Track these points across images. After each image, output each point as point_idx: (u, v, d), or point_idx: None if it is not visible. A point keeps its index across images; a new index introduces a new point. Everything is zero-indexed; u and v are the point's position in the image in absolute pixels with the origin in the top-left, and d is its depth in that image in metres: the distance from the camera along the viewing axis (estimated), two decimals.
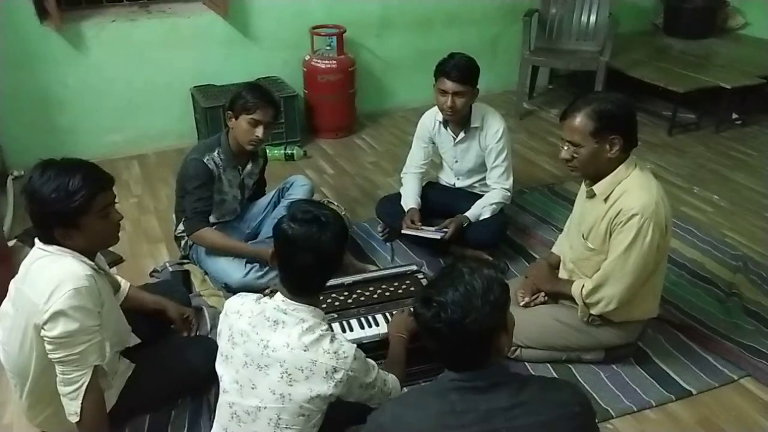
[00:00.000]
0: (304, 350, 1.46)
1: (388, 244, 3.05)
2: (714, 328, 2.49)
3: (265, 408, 1.48)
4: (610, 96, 2.05)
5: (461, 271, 1.28)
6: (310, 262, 1.49)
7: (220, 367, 1.58)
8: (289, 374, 1.46)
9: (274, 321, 1.49)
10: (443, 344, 1.28)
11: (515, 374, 1.35)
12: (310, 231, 1.47)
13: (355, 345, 1.55)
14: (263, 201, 2.93)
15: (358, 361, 1.52)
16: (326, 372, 1.47)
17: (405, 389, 1.82)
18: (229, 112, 2.55)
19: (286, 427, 1.49)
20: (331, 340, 1.50)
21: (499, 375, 1.29)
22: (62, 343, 1.60)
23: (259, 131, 2.53)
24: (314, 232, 1.48)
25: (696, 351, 2.38)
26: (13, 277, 1.78)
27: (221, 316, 1.60)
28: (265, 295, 1.61)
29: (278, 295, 1.53)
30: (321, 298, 2.22)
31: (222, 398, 1.58)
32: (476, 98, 2.78)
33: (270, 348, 1.48)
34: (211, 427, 1.69)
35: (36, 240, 1.72)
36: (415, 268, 2.45)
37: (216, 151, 2.60)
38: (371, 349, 1.95)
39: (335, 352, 1.48)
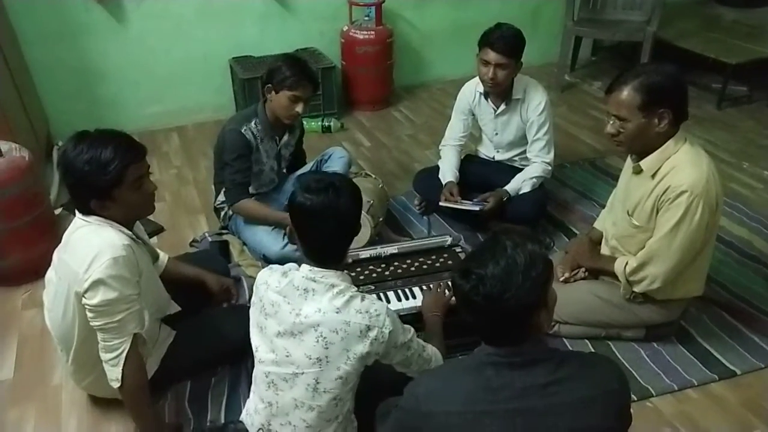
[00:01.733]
0: (337, 312, 1.47)
1: (425, 217, 3.03)
2: (761, 308, 2.42)
3: (303, 374, 1.50)
4: (660, 68, 1.96)
5: (504, 244, 1.24)
6: (333, 229, 1.50)
7: (254, 338, 1.60)
8: (324, 338, 1.47)
9: (304, 289, 1.50)
10: (480, 318, 1.26)
11: (553, 350, 1.33)
12: (328, 198, 1.48)
13: (385, 303, 1.56)
14: (302, 173, 2.93)
15: (391, 319, 1.53)
16: (360, 331, 1.48)
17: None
18: (269, 85, 2.53)
19: (324, 392, 1.51)
20: (362, 300, 1.51)
21: (537, 351, 1.27)
22: (102, 311, 1.64)
23: (299, 107, 2.53)
24: (332, 198, 1.48)
25: (742, 331, 2.32)
26: (57, 245, 1.82)
27: (253, 287, 1.62)
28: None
29: (304, 266, 1.54)
30: (359, 269, 2.24)
31: (258, 368, 1.60)
32: (519, 71, 2.71)
33: (302, 315, 1.49)
34: (249, 393, 1.72)
35: (76, 210, 1.76)
36: (453, 241, 2.43)
37: (253, 122, 2.60)
38: (408, 321, 1.91)
39: (367, 311, 1.49)
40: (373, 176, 2.98)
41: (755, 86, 4.30)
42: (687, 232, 1.94)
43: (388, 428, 1.38)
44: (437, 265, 2.30)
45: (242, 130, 2.57)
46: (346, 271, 1.58)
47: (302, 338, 1.50)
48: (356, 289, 1.54)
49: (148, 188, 1.76)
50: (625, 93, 1.92)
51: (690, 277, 2.10)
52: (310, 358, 1.49)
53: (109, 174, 1.62)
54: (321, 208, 1.47)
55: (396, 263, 2.30)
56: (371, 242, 2.59)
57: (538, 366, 1.24)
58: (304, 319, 1.49)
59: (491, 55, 2.60)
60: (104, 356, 1.69)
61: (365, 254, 2.33)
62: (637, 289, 2.09)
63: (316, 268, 1.52)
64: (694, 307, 2.33)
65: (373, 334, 1.49)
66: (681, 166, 1.94)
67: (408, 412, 1.27)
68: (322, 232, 1.50)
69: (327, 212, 1.47)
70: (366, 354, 1.50)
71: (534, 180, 2.78)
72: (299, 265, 1.58)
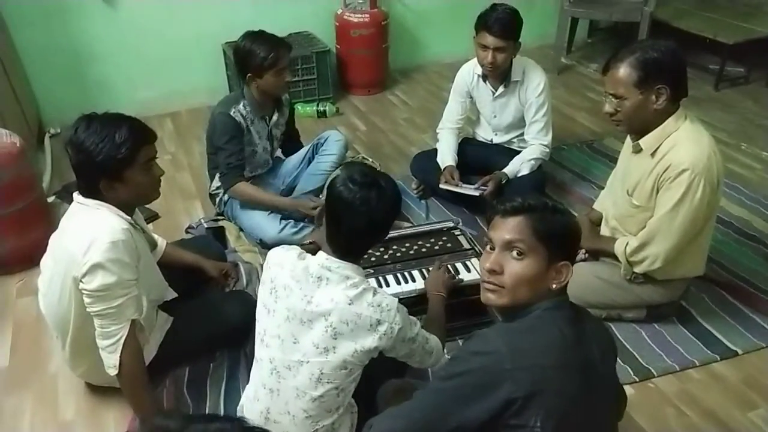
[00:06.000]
0: (349, 304, 1.45)
1: (423, 201, 3.01)
2: (761, 288, 2.42)
3: (308, 362, 1.48)
4: (656, 43, 1.92)
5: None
6: (362, 226, 1.47)
7: (261, 320, 1.56)
8: (334, 328, 1.45)
9: (318, 277, 1.47)
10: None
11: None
12: (369, 195, 1.45)
13: (396, 299, 1.53)
14: (297, 156, 2.90)
15: (401, 314, 1.51)
16: (370, 325, 1.46)
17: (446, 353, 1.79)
18: (249, 74, 2.50)
19: (327, 382, 1.48)
20: (374, 294, 1.49)
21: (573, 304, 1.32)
22: (100, 296, 1.62)
23: (287, 75, 2.53)
24: (372, 196, 1.45)
25: (742, 310, 2.31)
26: (52, 232, 1.79)
27: (264, 266, 1.58)
28: (303, 249, 1.59)
29: (321, 253, 1.51)
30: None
31: (260, 353, 1.57)
32: (518, 51, 2.68)
33: (314, 303, 1.46)
34: (248, 379, 1.70)
35: (75, 194, 1.73)
36: (451, 224, 2.41)
37: (241, 104, 2.57)
38: (408, 304, 1.88)
39: (378, 305, 1.47)
40: (370, 160, 2.95)
41: (752, 66, 4.28)
42: (688, 210, 1.92)
43: (430, 398, 1.24)
44: (436, 248, 2.29)
45: (231, 113, 2.54)
46: (360, 266, 1.55)
47: (311, 326, 1.47)
48: (368, 283, 1.52)
49: (157, 172, 1.76)
50: (622, 70, 1.89)
51: (690, 256, 2.09)
52: (318, 347, 1.46)
53: (122, 153, 1.62)
54: (359, 203, 1.44)
55: (395, 247, 2.28)
56: None
57: (582, 316, 1.29)
58: (315, 308, 1.46)
59: (489, 39, 2.56)
60: (101, 343, 1.67)
61: None
62: (637, 269, 2.08)
63: (333, 258, 1.49)
64: (694, 287, 2.32)
65: (382, 328, 1.46)
66: (681, 144, 1.91)
67: (477, 372, 1.18)
68: (351, 225, 1.47)
69: (363, 208, 1.45)
70: (374, 348, 1.47)
71: (532, 162, 2.76)
72: (300, 247, 1.56)
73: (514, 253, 1.26)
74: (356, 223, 1.46)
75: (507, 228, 1.28)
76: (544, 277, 1.25)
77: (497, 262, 1.29)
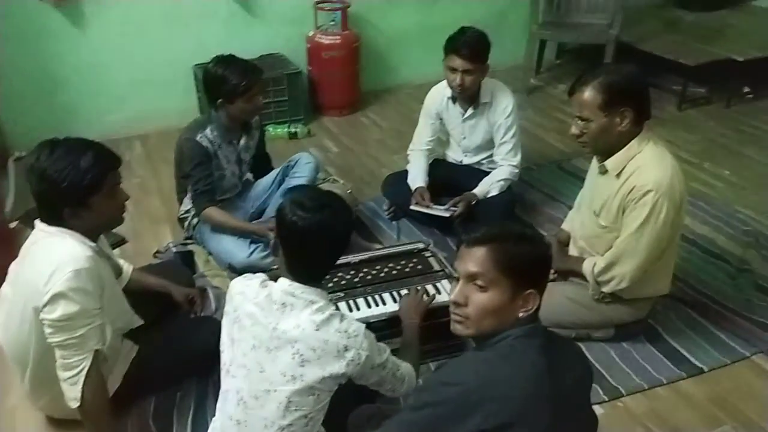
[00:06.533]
0: (316, 329, 1.44)
1: (394, 222, 3.01)
2: (725, 305, 2.46)
3: (275, 391, 1.45)
4: (619, 67, 2.00)
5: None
6: (324, 250, 1.47)
7: (226, 352, 1.54)
8: (301, 355, 1.43)
9: (282, 304, 1.46)
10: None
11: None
12: (323, 219, 1.43)
13: (363, 324, 1.52)
14: (267, 179, 2.89)
15: (368, 340, 1.50)
16: (337, 351, 1.44)
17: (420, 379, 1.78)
18: (219, 99, 2.47)
19: (295, 409, 1.46)
20: (341, 320, 1.48)
21: (545, 330, 1.31)
22: (62, 326, 1.58)
23: (259, 101, 2.53)
24: (327, 218, 1.44)
25: (707, 328, 2.35)
26: (14, 259, 1.75)
27: (227, 297, 1.56)
28: (274, 274, 1.57)
29: (283, 279, 1.49)
30: (328, 277, 2.20)
31: (227, 384, 1.54)
32: (487, 73, 2.72)
33: (280, 330, 1.44)
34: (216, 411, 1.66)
35: (36, 222, 1.69)
36: (422, 246, 2.41)
37: (208, 129, 2.54)
38: (379, 328, 1.91)
39: (345, 331, 1.46)
40: (341, 181, 2.95)
41: (713, 87, 4.40)
42: (653, 230, 1.95)
43: (399, 429, 1.26)
44: (407, 270, 2.28)
45: (197, 138, 2.51)
46: (324, 289, 1.55)
47: (277, 354, 1.45)
48: (334, 307, 1.51)
49: (122, 197, 1.74)
50: (587, 93, 1.93)
51: (656, 275, 2.12)
52: (285, 375, 1.44)
53: (87, 180, 1.59)
54: (316, 229, 1.43)
55: (365, 269, 2.27)
56: None
57: (555, 343, 1.28)
58: (281, 334, 1.44)
59: (457, 62, 2.60)
60: (62, 374, 1.62)
61: None
62: (605, 289, 2.10)
63: (296, 283, 1.47)
64: (661, 306, 2.36)
65: (350, 355, 1.45)
66: (645, 166, 1.95)
67: (446, 403, 1.18)
68: (312, 251, 1.46)
69: (322, 233, 1.44)
70: (341, 374, 1.46)
71: (501, 183, 2.79)
72: (267, 274, 1.54)
73: (477, 284, 1.26)
74: (317, 248, 1.45)
75: (470, 259, 1.28)
76: (509, 307, 1.25)
77: (462, 293, 1.29)
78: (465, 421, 1.14)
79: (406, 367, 1.66)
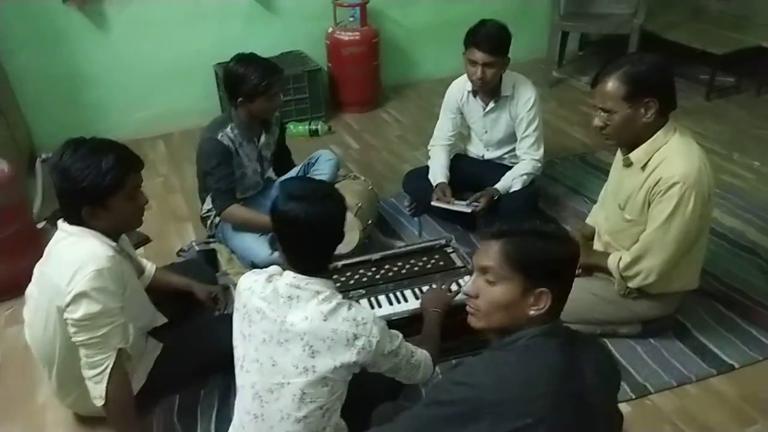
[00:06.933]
0: (324, 320, 1.44)
1: (415, 218, 2.99)
2: (756, 300, 2.40)
3: (288, 384, 1.46)
4: (643, 57, 1.94)
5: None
6: (318, 239, 1.48)
7: (238, 347, 1.55)
8: (311, 346, 1.44)
9: (288, 297, 1.46)
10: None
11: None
12: (314, 207, 1.44)
13: (372, 311, 1.51)
14: (286, 178, 2.89)
15: (378, 327, 1.49)
16: (347, 340, 1.44)
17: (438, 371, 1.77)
18: (240, 98, 2.48)
19: (311, 401, 1.47)
20: (349, 308, 1.48)
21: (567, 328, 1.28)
22: (85, 325, 1.60)
23: (279, 99, 2.54)
24: (318, 207, 1.45)
25: (738, 323, 2.29)
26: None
27: (235, 293, 1.57)
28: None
29: (288, 272, 1.50)
30: (349, 274, 2.20)
31: (242, 379, 1.55)
32: (507, 66, 2.68)
33: (288, 323, 1.45)
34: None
35: (59, 222, 1.71)
36: (444, 242, 2.39)
37: (228, 127, 2.55)
38: (401, 325, 1.88)
39: (354, 319, 1.46)
40: (362, 178, 2.94)
41: (742, 76, 4.29)
42: (680, 223, 1.91)
43: (411, 423, 1.26)
44: (429, 266, 2.27)
45: (218, 137, 2.52)
46: (330, 278, 1.54)
47: (288, 347, 1.45)
48: (341, 296, 1.51)
49: (141, 201, 1.74)
50: (610, 84, 1.89)
51: (684, 269, 2.07)
52: (297, 367, 1.45)
53: (107, 180, 1.60)
54: (306, 218, 1.43)
55: (387, 266, 2.27)
56: (360, 246, 2.54)
57: (576, 342, 1.25)
58: (290, 327, 1.45)
59: (478, 55, 2.57)
60: (86, 373, 1.64)
61: (355, 258, 2.29)
62: (631, 284, 2.06)
63: (300, 275, 1.48)
64: (689, 301, 2.30)
65: (360, 343, 1.45)
66: (671, 157, 1.91)
67: (456, 403, 1.17)
68: (307, 241, 1.47)
69: (312, 222, 1.44)
70: (353, 363, 1.46)
71: (524, 177, 2.75)
72: (283, 270, 1.54)
73: (488, 278, 1.26)
74: (308, 237, 1.46)
75: (484, 253, 1.27)
76: (519, 304, 1.23)
77: (474, 285, 1.29)
78: (476, 422, 1.13)
79: (421, 354, 1.66)
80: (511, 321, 1.24)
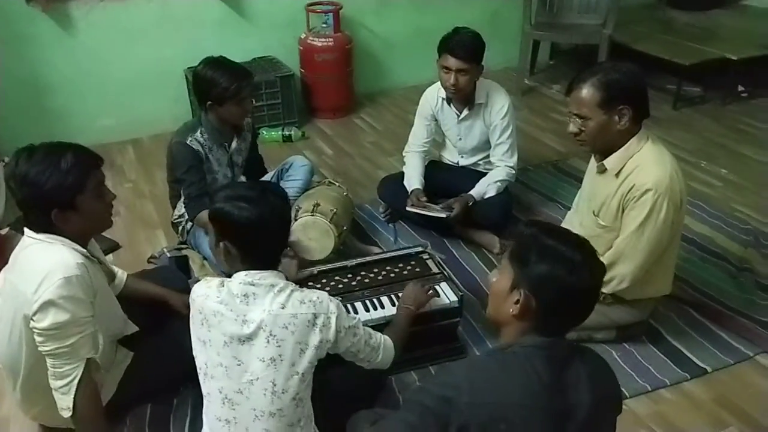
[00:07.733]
0: (282, 308, 1.46)
1: (391, 225, 2.98)
2: (727, 305, 2.44)
3: (257, 379, 1.45)
4: (618, 65, 1.97)
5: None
6: (276, 233, 1.51)
7: (199, 354, 1.52)
8: (274, 335, 1.44)
9: (244, 295, 1.46)
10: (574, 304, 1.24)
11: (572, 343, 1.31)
12: (270, 203, 1.48)
13: (325, 291, 1.58)
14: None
15: (334, 303, 1.53)
16: (308, 321, 1.47)
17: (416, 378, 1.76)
18: (209, 102, 2.44)
19: (283, 392, 1.46)
20: (301, 291, 1.51)
21: (570, 343, 1.28)
22: (52, 335, 1.54)
23: (249, 104, 2.49)
24: (274, 202, 1.49)
25: (710, 328, 2.33)
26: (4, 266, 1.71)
27: (190, 302, 1.54)
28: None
29: (238, 273, 1.49)
30: (324, 281, 2.18)
31: (208, 387, 1.52)
32: (481, 74, 2.70)
33: (249, 320, 1.45)
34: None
35: (25, 230, 1.65)
36: (420, 249, 2.38)
37: (198, 131, 2.50)
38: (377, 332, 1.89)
39: (310, 300, 1.49)
40: (337, 184, 2.92)
41: (708, 86, 4.40)
42: (653, 229, 1.94)
43: (394, 428, 1.25)
44: (405, 273, 2.25)
45: (188, 141, 2.47)
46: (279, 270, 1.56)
47: (252, 343, 1.45)
48: (294, 285, 1.53)
49: (108, 197, 1.70)
50: (585, 91, 1.92)
51: (657, 275, 2.10)
52: (264, 360, 1.45)
53: (70, 179, 1.55)
54: (269, 216, 1.47)
55: (363, 273, 2.25)
56: (336, 252, 2.52)
57: (575, 359, 1.23)
58: (251, 324, 1.45)
59: (451, 62, 2.58)
60: (54, 383, 1.58)
61: (331, 265, 2.27)
62: (606, 290, 2.07)
63: (252, 271, 1.48)
64: (662, 306, 2.33)
65: (320, 321, 1.49)
66: (645, 165, 1.94)
67: (440, 403, 1.17)
68: (267, 238, 1.49)
69: (265, 219, 1.46)
70: (319, 343, 1.48)
71: (498, 184, 2.76)
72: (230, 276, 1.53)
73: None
74: (271, 233, 1.49)
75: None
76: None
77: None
78: (451, 421, 1.15)
79: (380, 337, 1.70)
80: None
